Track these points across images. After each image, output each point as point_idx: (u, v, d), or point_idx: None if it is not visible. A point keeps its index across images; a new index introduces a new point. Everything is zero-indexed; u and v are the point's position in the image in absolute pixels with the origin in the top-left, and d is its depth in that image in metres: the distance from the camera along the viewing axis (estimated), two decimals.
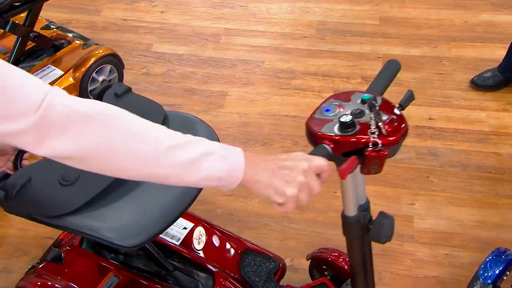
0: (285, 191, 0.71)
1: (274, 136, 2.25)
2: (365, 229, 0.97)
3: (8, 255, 1.78)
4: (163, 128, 0.68)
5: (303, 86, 2.48)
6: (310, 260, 1.57)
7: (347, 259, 1.47)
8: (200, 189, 1.23)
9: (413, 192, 1.99)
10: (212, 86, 2.49)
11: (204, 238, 1.58)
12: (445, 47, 2.63)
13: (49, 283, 1.40)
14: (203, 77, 2.54)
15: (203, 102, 2.41)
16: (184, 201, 1.20)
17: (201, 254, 1.52)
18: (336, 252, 1.50)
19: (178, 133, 0.68)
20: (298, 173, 0.71)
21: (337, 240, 1.84)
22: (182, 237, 1.55)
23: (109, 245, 1.10)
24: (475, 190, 1.98)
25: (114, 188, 1.18)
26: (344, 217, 0.97)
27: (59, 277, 1.41)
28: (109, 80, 2.33)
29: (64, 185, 1.14)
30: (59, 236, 1.57)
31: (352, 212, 0.96)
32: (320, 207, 1.96)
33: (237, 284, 1.47)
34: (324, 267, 1.53)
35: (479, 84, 2.38)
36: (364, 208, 0.98)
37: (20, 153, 1.23)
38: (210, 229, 1.60)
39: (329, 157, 0.83)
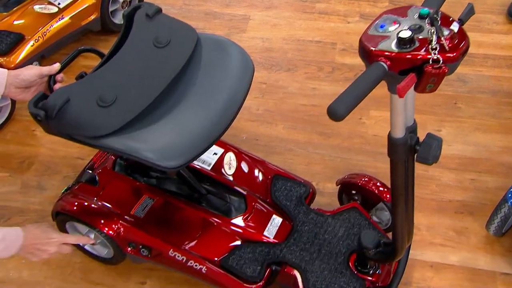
0: (32, 259, 1.23)
1: (298, 62, 2.20)
2: (412, 150, 0.96)
3: (40, 173, 1.81)
4: None
5: (328, 10, 2.38)
6: (339, 185, 1.58)
7: (377, 184, 1.48)
8: (238, 109, 1.22)
9: (440, 119, 1.96)
10: (233, 9, 2.40)
11: (234, 164, 1.58)
12: None
13: (86, 203, 1.43)
14: None
15: (225, 26, 2.33)
16: (223, 122, 1.18)
17: (232, 179, 1.54)
18: (366, 177, 1.51)
19: None
20: (44, 254, 1.24)
21: (362, 165, 1.87)
22: (213, 162, 1.56)
23: (150, 166, 1.10)
24: (503, 117, 1.95)
25: (152, 110, 1.16)
26: (390, 138, 0.95)
27: (95, 198, 1.44)
28: (130, 1, 2.24)
29: (102, 107, 1.12)
30: (91, 159, 1.59)
31: (399, 133, 0.94)
32: (345, 133, 1.95)
33: (268, 207, 1.49)
34: (353, 192, 1.54)
35: None
36: (412, 129, 0.96)
37: (52, 76, 1.21)
38: (240, 155, 1.61)
39: (384, 76, 0.79)
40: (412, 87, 0.81)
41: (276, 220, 1.46)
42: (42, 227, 1.24)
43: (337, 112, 0.74)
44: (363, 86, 0.78)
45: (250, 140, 1.94)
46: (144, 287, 1.53)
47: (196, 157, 1.15)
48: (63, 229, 1.51)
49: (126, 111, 1.13)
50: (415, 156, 0.95)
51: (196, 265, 1.36)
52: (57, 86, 1.21)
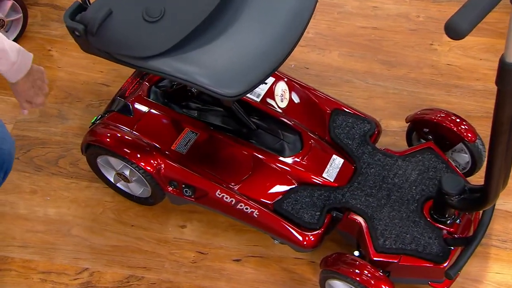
0: (34, 99, 1.25)
1: None
2: None
3: (60, 99, 1.82)
4: None
5: None
6: (409, 123, 1.55)
7: (457, 121, 1.45)
8: (306, 25, 1.19)
9: None
10: None
11: (287, 95, 1.56)
12: None
13: (120, 135, 1.43)
14: None
15: None
16: (288, 40, 1.16)
17: (285, 113, 1.52)
18: (443, 113, 1.47)
19: None
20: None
21: (433, 100, 1.83)
22: (263, 93, 1.54)
23: (207, 93, 1.09)
24: None
25: (206, 28, 1.14)
26: (503, 63, 0.90)
27: (130, 129, 1.44)
28: None
29: (149, 22, 1.09)
30: (122, 86, 1.57)
31: None
32: (413, 62, 1.90)
33: (327, 146, 1.48)
34: (425, 130, 1.51)
35: None
36: None
37: None
38: (293, 85, 1.58)
39: None
40: None
41: (337, 161, 1.45)
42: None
43: (459, 27, 0.70)
44: None
45: (299, 69, 1.90)
46: (183, 231, 1.56)
47: (259, 83, 1.13)
48: (94, 164, 1.53)
49: (177, 28, 1.11)
50: None
51: (246, 209, 1.38)
52: None
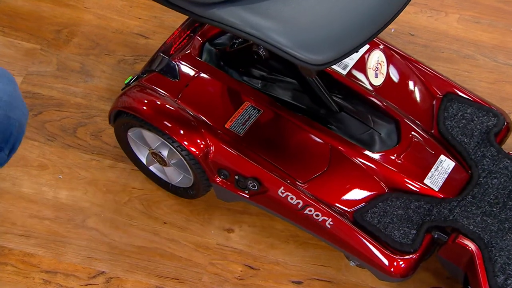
0: None
1: None
2: None
3: (84, 50, 1.87)
4: None
5: None
6: None
7: None
8: None
9: None
10: None
11: (384, 69, 1.56)
12: None
13: (161, 102, 1.46)
14: None
15: None
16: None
17: (379, 92, 1.52)
18: None
19: None
20: None
21: None
22: (351, 63, 1.54)
23: (284, 57, 1.10)
24: None
25: None
26: None
27: (174, 98, 1.47)
28: None
29: None
30: (167, 40, 1.60)
31: None
32: None
33: (434, 142, 1.48)
34: None
35: None
36: None
37: None
38: (392, 56, 1.58)
39: None
40: None
41: (446, 164, 1.45)
42: None
43: None
44: None
45: (402, 35, 1.91)
46: (230, 237, 1.59)
47: (354, 50, 1.14)
48: (123, 139, 1.57)
49: None
50: None
51: (317, 215, 1.39)
52: None
